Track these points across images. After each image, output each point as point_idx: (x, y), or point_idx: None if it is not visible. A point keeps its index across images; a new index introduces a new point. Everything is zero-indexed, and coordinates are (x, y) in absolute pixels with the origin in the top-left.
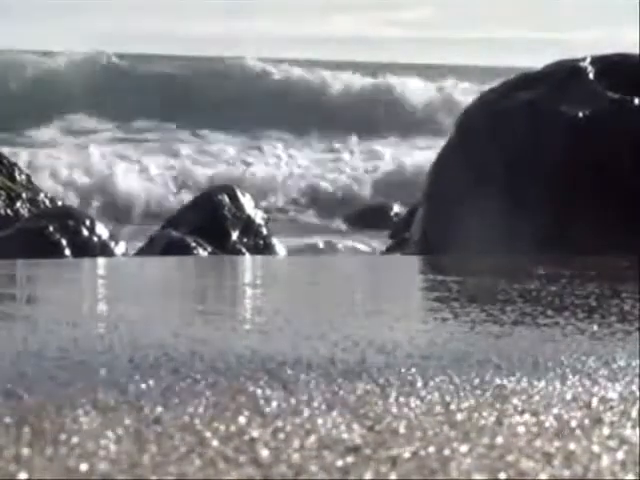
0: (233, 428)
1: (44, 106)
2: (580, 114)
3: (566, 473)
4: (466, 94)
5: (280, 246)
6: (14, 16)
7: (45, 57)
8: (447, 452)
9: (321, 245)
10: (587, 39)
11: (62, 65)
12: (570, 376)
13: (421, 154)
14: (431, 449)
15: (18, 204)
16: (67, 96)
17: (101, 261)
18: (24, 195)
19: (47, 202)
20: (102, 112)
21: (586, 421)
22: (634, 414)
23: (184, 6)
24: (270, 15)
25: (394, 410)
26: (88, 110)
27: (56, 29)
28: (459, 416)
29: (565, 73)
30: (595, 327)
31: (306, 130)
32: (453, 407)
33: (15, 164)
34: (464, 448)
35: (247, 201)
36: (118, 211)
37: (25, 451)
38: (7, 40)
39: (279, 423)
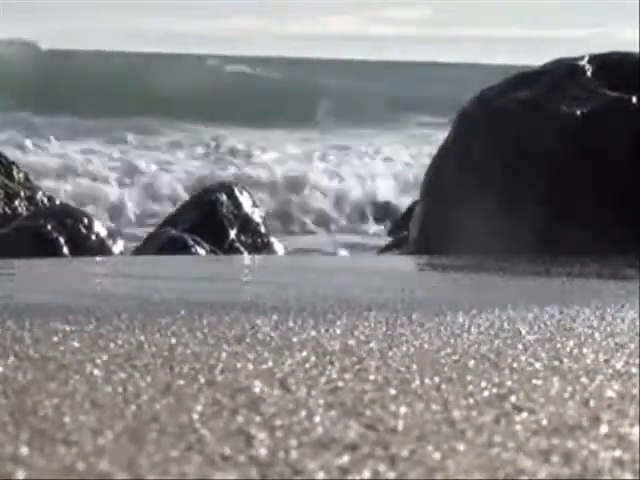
0: None
1: None
2: (578, 112)
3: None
4: None
5: (279, 245)
6: None
7: None
8: None
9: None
10: (585, 37)
11: None
12: None
13: None
14: None
15: (16, 202)
16: None
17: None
18: (22, 193)
19: (45, 200)
20: None
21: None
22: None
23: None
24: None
25: None
26: None
27: None
28: None
29: (563, 71)
30: None
31: None
32: None
33: (13, 162)
34: None
35: (245, 199)
36: None
37: None
38: None
39: None
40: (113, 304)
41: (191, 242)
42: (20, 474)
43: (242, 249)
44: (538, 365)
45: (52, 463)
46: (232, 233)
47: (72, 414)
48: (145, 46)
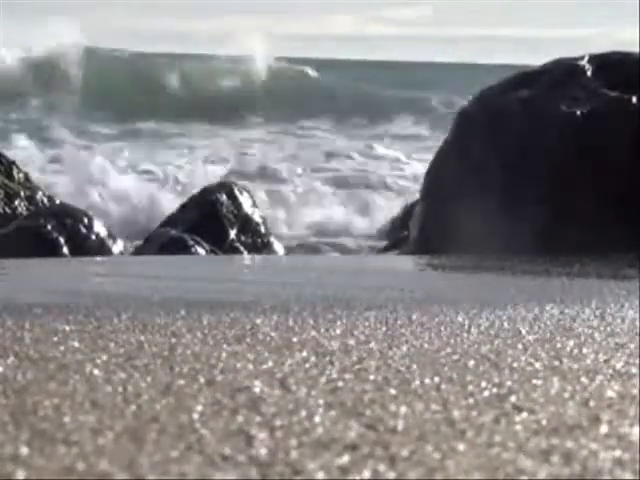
0: None
1: None
2: (578, 112)
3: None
4: None
5: (278, 245)
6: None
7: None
8: None
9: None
10: (585, 37)
11: None
12: None
13: None
14: None
15: (16, 202)
16: None
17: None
18: (22, 193)
19: (45, 200)
20: None
21: None
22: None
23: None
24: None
25: None
26: None
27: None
28: None
29: (563, 71)
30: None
31: None
32: None
33: (14, 162)
34: None
35: (245, 199)
36: None
37: None
38: None
39: None
40: (113, 304)
41: (191, 242)
42: (20, 474)
43: (242, 249)
44: (538, 365)
45: (52, 463)
46: (232, 233)
47: (72, 414)
48: (143, 45)
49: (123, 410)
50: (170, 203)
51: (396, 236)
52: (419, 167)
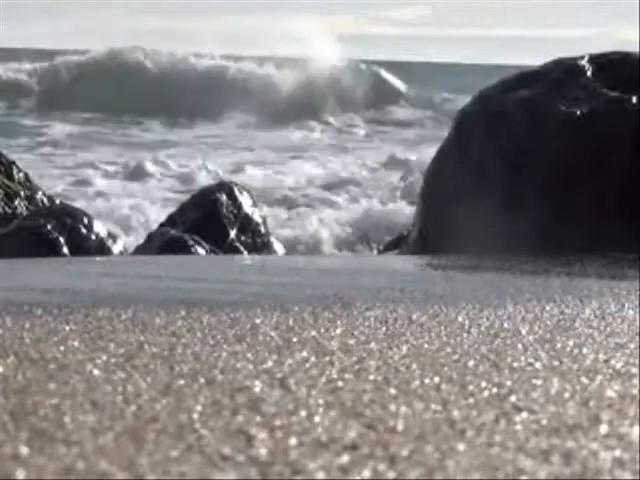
0: None
1: None
2: (578, 112)
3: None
4: None
5: (279, 245)
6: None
7: None
8: None
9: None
10: (585, 37)
11: None
12: None
13: None
14: None
15: (16, 202)
16: None
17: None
18: (22, 193)
19: (45, 200)
20: None
21: None
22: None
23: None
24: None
25: None
26: None
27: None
28: None
29: (563, 71)
30: None
31: None
32: None
33: (14, 162)
34: None
35: (245, 199)
36: None
37: None
38: None
39: None
40: (113, 304)
41: (191, 242)
42: (20, 474)
43: (242, 249)
44: (538, 365)
45: (52, 463)
46: (232, 233)
47: (72, 414)
48: (144, 45)
49: (123, 410)
50: None
51: (397, 235)
52: (418, 167)
